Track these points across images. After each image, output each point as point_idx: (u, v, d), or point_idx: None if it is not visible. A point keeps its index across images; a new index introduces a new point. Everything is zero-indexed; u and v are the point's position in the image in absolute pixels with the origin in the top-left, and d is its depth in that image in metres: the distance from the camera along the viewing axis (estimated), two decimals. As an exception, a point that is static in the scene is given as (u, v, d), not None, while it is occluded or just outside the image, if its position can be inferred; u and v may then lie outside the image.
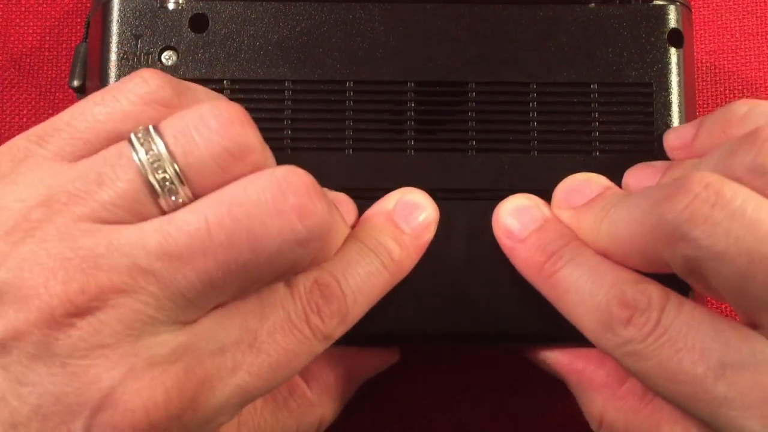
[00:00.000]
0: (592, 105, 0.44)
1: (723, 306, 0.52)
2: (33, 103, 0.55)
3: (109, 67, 0.44)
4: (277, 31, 0.44)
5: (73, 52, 0.47)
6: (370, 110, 0.44)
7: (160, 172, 0.33)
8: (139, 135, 0.34)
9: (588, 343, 0.39)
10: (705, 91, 0.56)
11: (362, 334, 0.40)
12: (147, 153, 0.33)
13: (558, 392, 0.50)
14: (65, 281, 0.31)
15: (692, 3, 0.57)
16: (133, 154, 0.33)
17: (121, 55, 0.44)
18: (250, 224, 0.32)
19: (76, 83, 0.46)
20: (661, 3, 0.45)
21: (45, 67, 0.56)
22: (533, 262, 0.40)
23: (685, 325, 0.35)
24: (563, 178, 0.42)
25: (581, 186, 0.42)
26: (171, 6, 0.44)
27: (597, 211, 0.40)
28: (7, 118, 0.54)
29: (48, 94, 0.55)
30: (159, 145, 0.33)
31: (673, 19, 0.45)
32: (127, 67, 0.44)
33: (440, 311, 0.43)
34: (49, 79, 0.55)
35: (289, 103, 0.44)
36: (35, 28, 0.56)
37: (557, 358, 0.43)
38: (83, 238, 0.32)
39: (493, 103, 0.44)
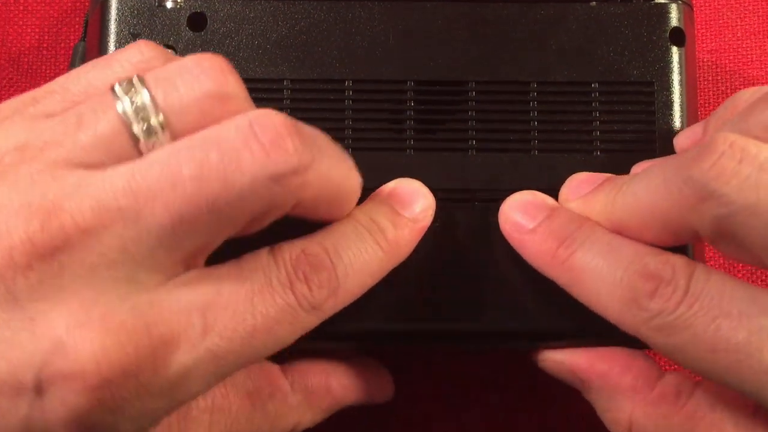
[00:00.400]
0: (593, 104, 0.43)
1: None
2: (31, 102, 0.55)
3: None
4: (276, 30, 0.44)
5: (72, 51, 0.47)
6: (369, 109, 0.43)
7: (140, 115, 0.33)
8: (123, 83, 0.33)
9: (595, 339, 0.39)
10: (706, 90, 0.56)
11: (360, 331, 0.40)
12: (129, 96, 0.33)
13: (558, 393, 0.50)
14: (27, 220, 0.31)
15: (693, 2, 0.56)
16: (116, 101, 0.33)
17: None
18: (221, 158, 0.32)
19: None
20: (663, 1, 0.45)
21: (43, 66, 0.56)
22: (545, 249, 0.39)
23: (717, 292, 0.35)
24: (564, 178, 0.42)
25: (587, 178, 0.41)
26: (169, 5, 0.44)
27: (609, 189, 0.39)
28: (6, 118, 0.54)
29: (46, 93, 0.55)
30: (141, 91, 0.33)
31: (674, 18, 0.44)
32: None
33: (439, 309, 0.42)
34: (48, 79, 0.54)
35: (288, 102, 0.43)
36: (34, 27, 0.56)
37: (575, 361, 0.41)
38: (54, 182, 0.32)
39: (494, 102, 0.44)
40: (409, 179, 0.42)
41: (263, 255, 0.36)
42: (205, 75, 0.33)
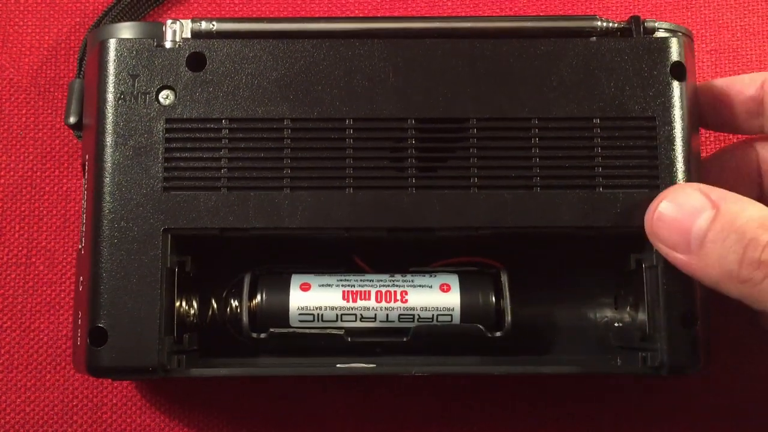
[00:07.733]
0: (595, 140, 0.43)
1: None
2: (32, 102, 0.55)
3: (107, 107, 0.43)
4: (276, 69, 0.44)
5: (67, 89, 0.47)
6: (370, 148, 0.43)
7: None
8: None
9: None
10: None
11: None
12: None
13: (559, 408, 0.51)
14: None
15: (694, 2, 0.56)
16: None
17: (118, 94, 0.43)
18: None
19: (72, 120, 0.46)
20: (664, 36, 0.44)
21: (44, 66, 0.56)
22: None
23: None
24: (567, 214, 0.43)
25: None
26: (168, 45, 0.44)
27: None
28: (6, 118, 0.55)
29: (47, 93, 0.55)
30: None
31: (675, 52, 0.44)
32: (125, 106, 0.43)
33: None
34: (48, 78, 0.55)
35: (289, 141, 0.43)
36: (34, 27, 0.56)
37: None
38: None
39: (495, 139, 0.43)
40: None
41: None
42: None
